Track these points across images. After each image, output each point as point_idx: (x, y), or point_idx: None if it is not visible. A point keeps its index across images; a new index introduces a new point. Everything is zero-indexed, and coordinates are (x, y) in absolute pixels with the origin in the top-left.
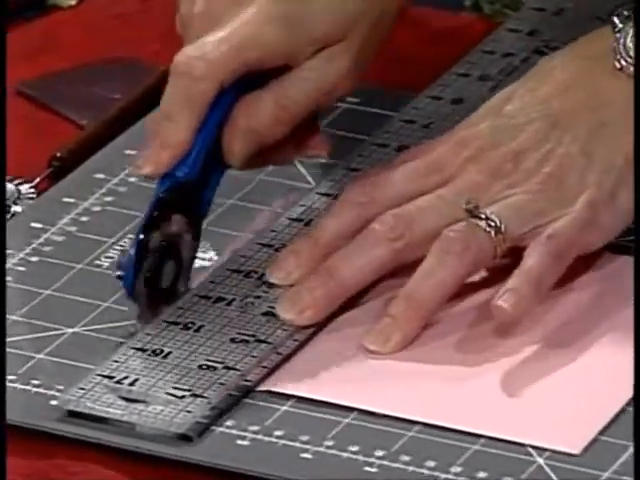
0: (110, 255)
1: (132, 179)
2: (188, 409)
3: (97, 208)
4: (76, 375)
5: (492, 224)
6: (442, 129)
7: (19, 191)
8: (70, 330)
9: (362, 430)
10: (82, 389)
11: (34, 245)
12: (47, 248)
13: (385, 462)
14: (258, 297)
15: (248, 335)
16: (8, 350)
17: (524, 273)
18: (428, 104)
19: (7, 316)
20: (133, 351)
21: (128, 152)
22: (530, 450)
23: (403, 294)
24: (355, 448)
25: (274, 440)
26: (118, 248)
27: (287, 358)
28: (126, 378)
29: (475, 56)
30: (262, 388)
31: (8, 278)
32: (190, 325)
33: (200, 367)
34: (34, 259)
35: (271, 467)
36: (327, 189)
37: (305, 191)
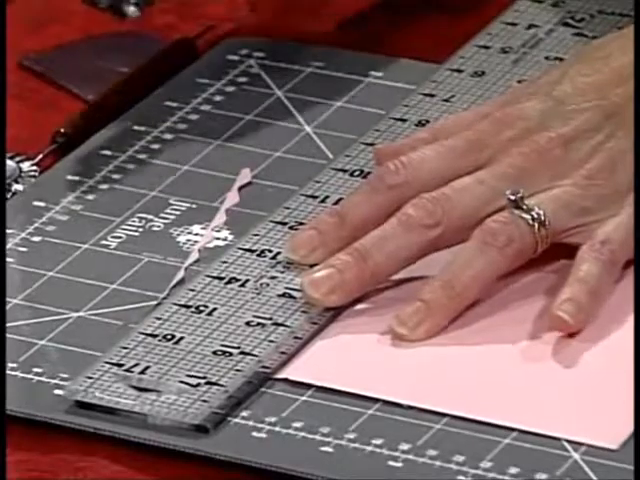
0: (117, 235)
1: (141, 156)
2: (204, 398)
3: (104, 186)
4: (82, 363)
5: (537, 217)
6: (463, 103)
7: (20, 169)
8: (75, 314)
9: (386, 422)
10: (90, 378)
11: (36, 225)
12: (50, 228)
13: (410, 456)
14: (273, 278)
15: (265, 318)
16: (8, 336)
17: (581, 282)
18: (448, 77)
19: (7, 299)
20: (142, 337)
21: (136, 128)
22: (565, 445)
23: (440, 281)
24: (379, 441)
25: (292, 432)
26: (125, 228)
27: (306, 343)
28: (136, 366)
29: (496, 28)
30: (281, 376)
31: (9, 259)
32: (202, 308)
33: (215, 353)
34: (36, 239)
35: (289, 461)
36: (343, 165)
37: (323, 167)
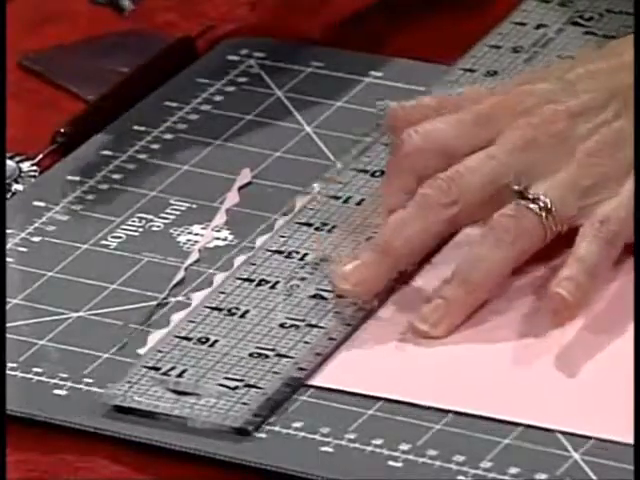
0: (117, 235)
1: (141, 156)
2: (243, 401)
3: (104, 186)
4: (82, 363)
5: (543, 206)
6: None
7: (20, 169)
8: (75, 314)
9: (386, 422)
10: (127, 382)
11: (36, 225)
12: (50, 228)
13: (410, 456)
14: (303, 279)
15: (298, 320)
16: (8, 336)
17: (580, 261)
18: (461, 76)
19: (7, 299)
20: (177, 340)
21: (136, 128)
22: (565, 444)
23: (457, 278)
24: (379, 441)
25: (292, 432)
26: (126, 228)
27: (340, 344)
28: (173, 369)
29: (506, 27)
30: (318, 383)
31: (9, 259)
32: (234, 310)
33: (251, 355)
34: (36, 239)
35: (288, 461)
36: (364, 165)
37: (325, 167)
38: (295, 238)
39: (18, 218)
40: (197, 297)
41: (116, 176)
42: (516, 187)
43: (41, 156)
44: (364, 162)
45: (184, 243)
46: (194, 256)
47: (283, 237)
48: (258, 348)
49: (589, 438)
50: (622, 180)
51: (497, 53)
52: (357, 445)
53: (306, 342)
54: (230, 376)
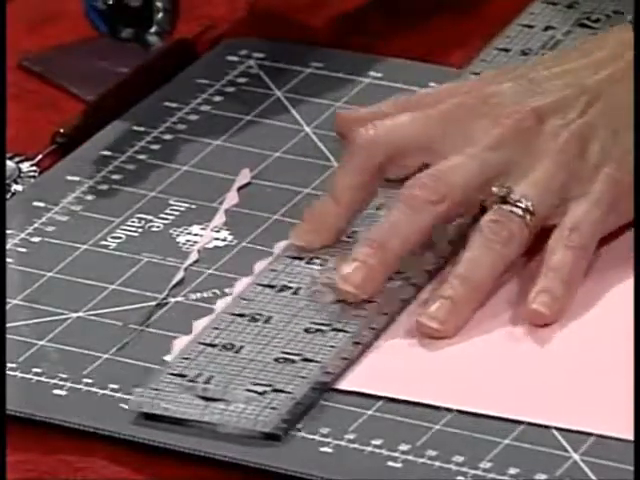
0: (117, 235)
1: (140, 156)
2: (272, 406)
3: (103, 186)
4: (81, 363)
5: (525, 208)
6: None
7: (20, 169)
8: (74, 315)
9: (386, 422)
10: (154, 389)
11: (36, 225)
12: (50, 228)
13: (410, 457)
14: (325, 284)
15: (323, 324)
16: (8, 336)
17: (554, 271)
18: (473, 80)
19: (7, 300)
20: (202, 347)
21: (136, 128)
22: (565, 445)
23: (457, 277)
24: (378, 442)
25: (292, 433)
26: (125, 228)
27: (366, 349)
28: (200, 376)
29: (514, 30)
30: (346, 387)
31: (8, 260)
32: (258, 316)
33: (277, 360)
34: (36, 240)
35: (288, 462)
36: None
37: (323, 167)
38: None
39: (17, 218)
40: (219, 305)
41: (116, 176)
42: (498, 192)
43: (40, 156)
44: None
45: (183, 243)
46: (193, 256)
47: None
48: (284, 353)
49: (588, 436)
50: (593, 177)
51: (506, 56)
52: (356, 445)
53: (332, 346)
54: (258, 381)
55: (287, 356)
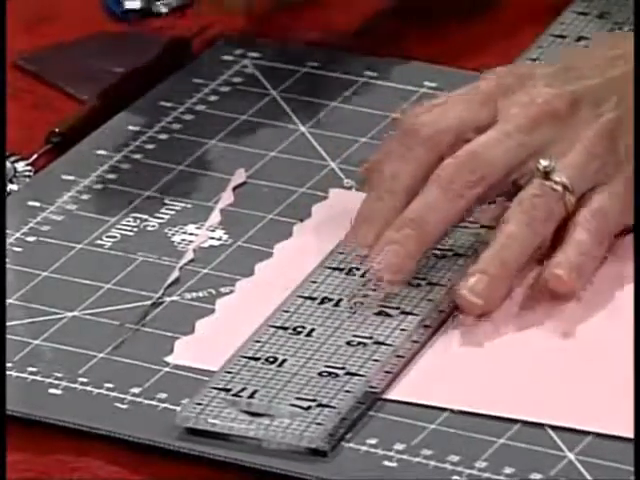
0: (112, 234)
1: (136, 156)
2: (318, 421)
3: (98, 186)
4: (77, 362)
5: (565, 186)
6: None
7: (15, 169)
8: (69, 314)
9: (381, 422)
10: (199, 404)
11: (31, 224)
12: (45, 227)
13: (405, 456)
14: (366, 296)
15: (365, 337)
16: None
17: (574, 246)
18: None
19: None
20: (245, 360)
21: (131, 128)
22: (560, 444)
23: (493, 255)
24: (373, 441)
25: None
26: (120, 227)
27: (409, 362)
28: (244, 390)
29: (546, 40)
30: (391, 397)
31: None
32: (300, 329)
33: (320, 374)
34: (31, 239)
35: (282, 463)
36: None
37: (320, 167)
38: (355, 255)
39: (13, 218)
40: (219, 304)
41: (111, 176)
42: (543, 166)
43: (36, 156)
44: None
45: (179, 243)
46: (189, 256)
47: (342, 254)
48: (327, 367)
49: (584, 436)
50: (616, 173)
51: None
52: (352, 445)
53: (375, 360)
54: (302, 396)
55: (331, 370)
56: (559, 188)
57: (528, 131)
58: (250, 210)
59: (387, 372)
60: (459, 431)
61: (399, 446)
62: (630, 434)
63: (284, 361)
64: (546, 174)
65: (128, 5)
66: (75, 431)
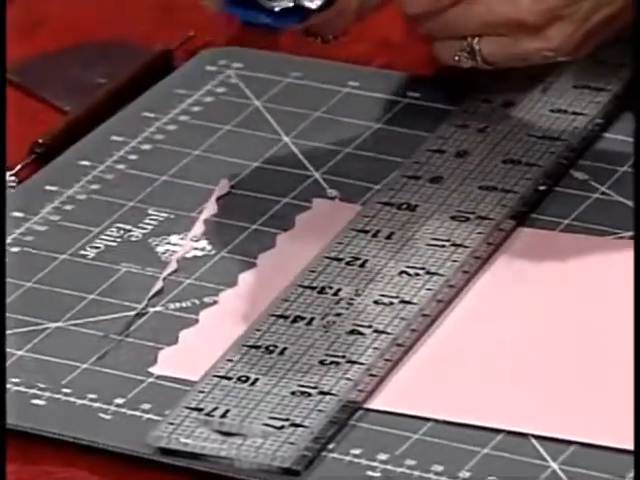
0: (96, 245)
1: (119, 166)
2: (290, 440)
3: (82, 196)
4: (60, 373)
5: None
6: (498, 133)
7: None
8: (53, 325)
9: (365, 432)
10: (171, 424)
11: (15, 235)
12: (29, 238)
13: (389, 466)
14: (338, 315)
15: (337, 356)
16: None
17: None
18: (479, 107)
19: None
20: (217, 379)
21: (115, 138)
22: (544, 454)
23: None
24: (357, 451)
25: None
26: (104, 238)
27: (381, 380)
28: (216, 409)
29: None
30: (375, 406)
31: None
32: (272, 348)
33: (293, 394)
34: (15, 250)
35: (268, 471)
36: (388, 198)
37: (303, 177)
38: (327, 274)
39: None
40: (203, 315)
41: (94, 186)
42: None
43: (19, 167)
44: (387, 195)
45: (162, 253)
46: (172, 266)
47: (314, 272)
48: (300, 386)
49: (567, 445)
50: None
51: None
52: (336, 455)
53: (348, 379)
54: (275, 415)
55: (303, 389)
56: None
57: None
58: (234, 220)
59: (360, 391)
60: (443, 441)
61: (383, 456)
62: (613, 443)
63: (256, 380)
64: None
65: (278, 5)
66: (60, 441)
